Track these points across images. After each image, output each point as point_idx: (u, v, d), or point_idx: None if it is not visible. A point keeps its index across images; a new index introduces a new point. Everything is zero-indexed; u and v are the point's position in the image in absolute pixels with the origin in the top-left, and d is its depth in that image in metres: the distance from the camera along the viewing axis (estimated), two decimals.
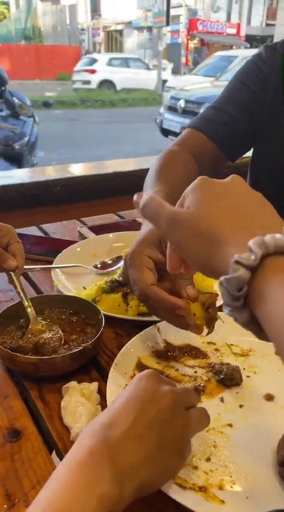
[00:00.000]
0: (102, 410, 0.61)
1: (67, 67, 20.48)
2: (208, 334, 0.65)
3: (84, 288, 0.93)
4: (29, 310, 0.76)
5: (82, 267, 1.00)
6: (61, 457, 0.57)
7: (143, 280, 0.65)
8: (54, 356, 0.68)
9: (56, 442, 0.59)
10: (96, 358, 0.74)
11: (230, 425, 0.61)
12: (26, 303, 0.76)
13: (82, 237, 1.19)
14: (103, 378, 0.70)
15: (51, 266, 0.98)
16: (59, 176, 2.23)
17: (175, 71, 21.11)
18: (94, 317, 0.79)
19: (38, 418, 0.62)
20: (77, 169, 2.56)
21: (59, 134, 8.71)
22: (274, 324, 0.35)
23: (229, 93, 1.14)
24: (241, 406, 0.64)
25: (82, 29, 26.11)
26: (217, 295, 0.63)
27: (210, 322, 0.63)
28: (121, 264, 1.02)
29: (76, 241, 1.14)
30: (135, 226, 1.25)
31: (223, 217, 0.41)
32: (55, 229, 1.25)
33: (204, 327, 0.64)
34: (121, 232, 1.17)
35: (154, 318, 0.83)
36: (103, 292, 0.87)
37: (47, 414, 0.63)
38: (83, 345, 0.69)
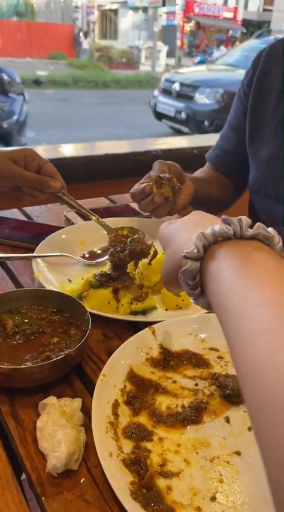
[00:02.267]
0: (86, 432, 0.51)
1: (60, 46, 19.96)
2: (175, 203, 0.91)
3: (70, 281, 0.82)
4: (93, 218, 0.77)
5: (68, 256, 0.89)
6: (34, 494, 0.47)
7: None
8: (29, 366, 0.57)
9: (28, 472, 0.48)
10: (81, 365, 0.64)
11: (238, 453, 0.52)
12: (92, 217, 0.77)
13: (69, 222, 1.07)
14: (88, 390, 0.60)
15: (32, 255, 0.86)
16: (47, 156, 2.09)
17: (170, 54, 20.71)
18: (79, 317, 0.68)
19: (7, 440, 0.52)
20: (67, 150, 2.42)
21: (49, 114, 8.46)
22: (213, 299, 0.41)
23: (229, 116, 1.21)
24: (250, 428, 0.55)
25: (76, 7, 25.40)
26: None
27: (174, 191, 0.90)
28: None
29: (63, 227, 1.02)
30: (127, 211, 1.14)
31: (179, 233, 0.51)
32: (39, 213, 1.13)
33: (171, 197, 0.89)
34: (113, 218, 1.06)
35: (149, 319, 0.73)
36: (90, 287, 0.76)
37: (19, 436, 0.52)
38: (65, 351, 0.59)
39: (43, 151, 2.28)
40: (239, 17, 25.11)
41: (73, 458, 0.48)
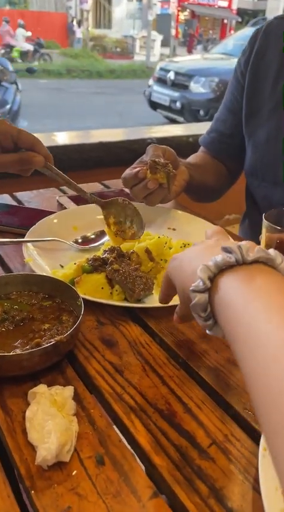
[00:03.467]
0: (79, 421, 0.48)
1: (53, 35, 19.69)
2: (169, 191, 0.90)
3: (62, 267, 0.79)
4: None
5: (60, 241, 0.85)
6: (23, 488, 0.44)
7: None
8: (18, 353, 0.54)
9: (17, 465, 0.45)
10: (73, 352, 0.61)
11: None
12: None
13: (62, 207, 1.03)
14: (81, 377, 0.57)
15: (22, 240, 0.83)
16: None
17: (165, 43, 20.49)
18: (71, 302, 0.65)
19: None
20: (60, 138, 2.38)
21: (43, 104, 8.36)
22: (224, 329, 0.41)
23: (224, 97, 1.16)
24: None
25: None
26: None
27: (169, 178, 0.88)
28: (105, 239, 0.88)
29: (54, 212, 0.99)
30: (122, 196, 1.10)
31: (183, 267, 0.52)
32: (30, 197, 1.09)
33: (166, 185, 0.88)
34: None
35: (143, 304, 0.70)
36: (83, 272, 0.73)
37: (7, 427, 0.49)
38: (56, 338, 0.55)
39: None
40: (234, 6, 24.88)
41: (64, 450, 0.45)
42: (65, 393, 0.51)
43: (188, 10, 24.62)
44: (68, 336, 0.56)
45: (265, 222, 0.69)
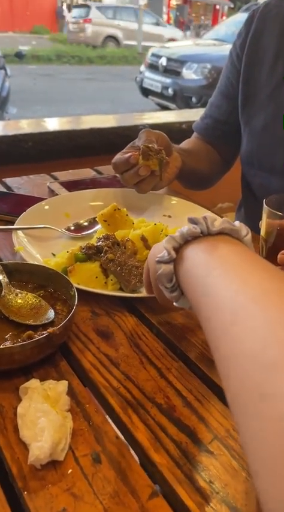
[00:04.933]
0: (74, 417, 0.46)
1: (42, 19, 19.31)
2: (161, 178, 0.88)
3: (54, 255, 0.76)
4: None
5: (52, 229, 0.82)
6: (15, 489, 0.41)
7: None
8: (9, 346, 0.51)
9: (8, 464, 0.43)
10: (67, 344, 0.58)
11: None
12: None
13: (53, 193, 1.00)
14: (75, 371, 0.54)
15: (12, 227, 0.79)
16: (31, 131, 2.01)
17: None
18: (64, 291, 0.62)
19: None
20: (51, 124, 2.32)
21: (33, 90, 8.21)
22: (189, 298, 0.42)
23: (219, 82, 1.12)
24: None
25: None
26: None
27: (161, 165, 0.85)
28: (98, 226, 0.84)
29: (45, 198, 0.95)
30: (115, 183, 1.07)
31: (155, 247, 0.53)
32: (20, 184, 1.05)
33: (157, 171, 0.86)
34: (99, 189, 0.99)
35: (139, 294, 0.67)
36: (76, 261, 0.70)
37: None
38: (49, 329, 0.53)
39: (26, 125, 2.19)
40: None
41: (58, 448, 0.42)
42: (58, 388, 0.48)
43: None
44: (61, 327, 0.54)
45: (265, 208, 0.67)
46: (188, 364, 0.57)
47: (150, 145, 0.85)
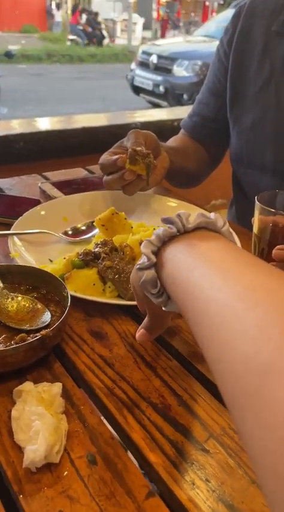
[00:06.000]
0: (69, 419, 0.46)
1: (32, 18, 19.20)
2: (147, 183, 0.85)
3: (51, 261, 0.74)
4: None
5: (49, 233, 0.80)
6: (11, 492, 0.41)
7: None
8: (2, 349, 0.51)
9: (3, 467, 0.43)
10: (61, 346, 0.58)
11: None
12: None
13: (45, 194, 0.99)
14: (69, 373, 0.54)
15: (7, 232, 0.78)
16: (22, 131, 2.00)
17: (147, 26, 20.16)
18: (58, 293, 0.62)
19: None
20: (42, 124, 2.31)
21: (24, 90, 8.17)
22: (176, 301, 0.40)
23: (206, 79, 1.11)
24: None
25: None
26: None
27: (149, 170, 0.83)
28: (96, 230, 0.82)
29: (38, 199, 0.95)
30: None
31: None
32: (11, 185, 1.04)
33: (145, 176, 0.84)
34: (97, 192, 0.96)
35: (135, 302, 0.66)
36: (74, 267, 0.68)
37: None
38: (42, 332, 0.52)
39: (17, 125, 2.17)
40: None
41: (53, 451, 0.42)
42: (52, 390, 0.48)
43: None
44: (54, 329, 0.53)
45: (257, 205, 0.67)
46: (183, 363, 0.57)
47: (138, 148, 0.83)
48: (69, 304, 0.57)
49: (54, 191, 1.00)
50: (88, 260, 0.68)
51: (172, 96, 6.86)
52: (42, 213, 0.86)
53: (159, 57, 7.13)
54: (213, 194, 2.56)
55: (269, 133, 0.94)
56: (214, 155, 1.14)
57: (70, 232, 0.83)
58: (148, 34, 19.69)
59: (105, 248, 0.69)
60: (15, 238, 0.77)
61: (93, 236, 0.81)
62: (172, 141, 1.11)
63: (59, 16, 19.79)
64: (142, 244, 0.43)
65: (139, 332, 0.54)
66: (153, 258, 0.43)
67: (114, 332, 0.61)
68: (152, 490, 0.41)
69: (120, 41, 19.13)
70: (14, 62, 11.39)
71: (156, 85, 7.05)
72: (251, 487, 0.42)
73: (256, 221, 0.68)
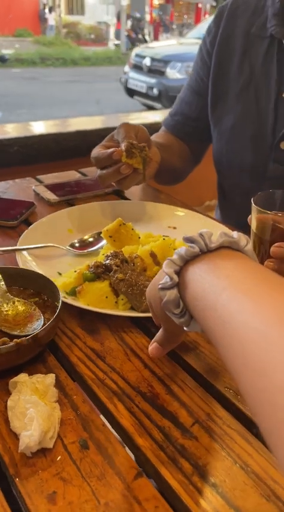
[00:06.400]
0: (62, 408, 0.49)
1: (25, 22, 19.22)
2: (144, 177, 0.86)
3: (60, 275, 0.73)
4: None
5: (56, 247, 0.79)
6: (8, 476, 0.44)
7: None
8: None
9: (0, 453, 0.45)
10: (55, 340, 0.61)
11: None
12: None
13: (39, 196, 1.02)
14: (63, 365, 0.57)
15: (15, 248, 0.77)
16: (16, 135, 2.02)
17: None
18: (52, 296, 0.63)
19: None
20: (36, 128, 2.33)
21: (17, 94, 8.19)
22: (199, 323, 0.40)
23: (189, 78, 1.12)
24: None
25: None
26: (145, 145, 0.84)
27: (145, 163, 0.84)
28: (104, 242, 0.82)
29: (32, 202, 0.97)
30: (99, 185, 1.10)
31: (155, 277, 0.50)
32: (5, 188, 1.07)
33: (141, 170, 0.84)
34: (100, 202, 0.97)
35: (149, 314, 0.62)
36: (85, 280, 0.68)
37: None
38: (17, 340, 0.52)
39: (11, 129, 2.20)
40: None
41: (47, 436, 0.45)
42: (46, 381, 0.50)
43: None
44: (29, 338, 0.53)
45: (254, 207, 0.67)
46: (170, 354, 0.59)
47: (134, 142, 0.82)
48: (56, 316, 0.57)
49: (47, 194, 1.02)
50: (99, 272, 0.68)
51: (166, 98, 6.90)
52: (47, 226, 0.85)
53: (152, 59, 7.18)
54: (206, 195, 2.59)
55: (249, 135, 0.96)
56: (196, 152, 1.15)
57: (77, 245, 0.82)
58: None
59: (116, 260, 0.69)
60: (24, 253, 0.76)
61: (101, 248, 0.81)
62: (156, 137, 1.10)
63: (51, 20, 19.83)
64: (164, 263, 0.43)
65: (152, 346, 0.55)
66: (176, 278, 0.42)
67: (105, 327, 0.64)
68: (140, 471, 0.44)
69: (114, 43, 19.18)
70: (8, 66, 11.42)
71: (150, 87, 7.09)
72: (233, 467, 0.45)
73: (253, 220, 0.69)
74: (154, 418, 0.50)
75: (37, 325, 0.60)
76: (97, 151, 0.87)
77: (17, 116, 6.58)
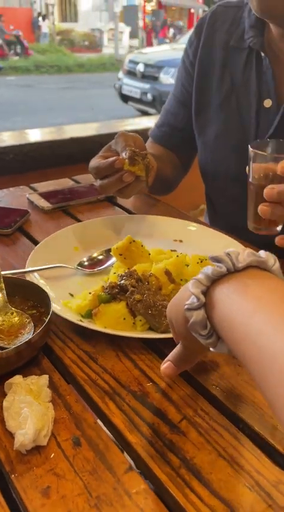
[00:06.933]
0: (55, 407, 0.51)
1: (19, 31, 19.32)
2: (147, 184, 0.87)
3: (72, 296, 0.72)
4: None
5: (65, 267, 0.77)
6: (4, 473, 0.46)
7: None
8: None
9: None
10: (48, 344, 0.63)
11: None
12: None
13: (33, 204, 1.05)
14: (56, 367, 0.59)
15: (25, 270, 0.74)
16: (12, 143, 2.05)
17: (133, 35, 20.38)
18: (46, 305, 0.64)
19: None
20: (31, 136, 2.36)
21: (12, 102, 8.25)
22: (229, 345, 0.39)
23: (173, 89, 1.13)
24: None
25: None
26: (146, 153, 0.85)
27: (147, 169, 0.84)
28: (113, 260, 0.80)
29: (26, 210, 1.00)
30: (92, 191, 1.13)
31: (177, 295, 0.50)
32: (0, 197, 1.09)
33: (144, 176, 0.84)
34: (104, 217, 0.96)
35: (169, 335, 0.60)
36: (100, 302, 0.66)
37: None
38: (24, 338, 0.56)
39: (6, 137, 2.22)
40: None
41: (41, 434, 0.47)
42: (40, 382, 0.53)
43: (154, 0, 24.48)
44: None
45: (251, 152, 0.69)
46: (159, 354, 0.62)
47: (136, 150, 0.82)
48: (51, 311, 0.60)
49: (41, 201, 1.05)
50: (115, 293, 0.67)
51: (160, 103, 6.94)
52: (52, 245, 0.83)
53: (146, 65, 7.24)
54: (201, 199, 2.62)
55: (232, 144, 0.98)
56: (184, 161, 1.16)
57: (86, 263, 0.81)
58: (135, 43, 19.89)
59: (131, 280, 0.67)
60: (36, 274, 0.74)
61: (111, 266, 0.80)
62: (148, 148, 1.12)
63: (45, 27, 19.96)
64: (190, 283, 0.42)
65: (166, 365, 0.54)
66: (203, 298, 0.41)
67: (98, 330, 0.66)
68: (130, 465, 0.46)
69: (108, 50, 19.31)
70: (3, 74, 11.50)
71: (144, 93, 7.14)
72: (219, 460, 0.47)
73: (251, 169, 0.70)
74: (143, 415, 0.52)
75: (23, 338, 0.59)
76: (96, 161, 0.86)
77: (12, 123, 6.62)
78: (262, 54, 0.92)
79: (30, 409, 0.48)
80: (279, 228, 0.74)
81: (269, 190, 0.65)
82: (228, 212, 0.97)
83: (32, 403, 0.49)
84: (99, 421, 0.52)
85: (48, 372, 0.58)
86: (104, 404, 0.54)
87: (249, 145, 0.71)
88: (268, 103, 0.92)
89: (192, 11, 23.21)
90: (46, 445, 0.48)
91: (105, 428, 0.51)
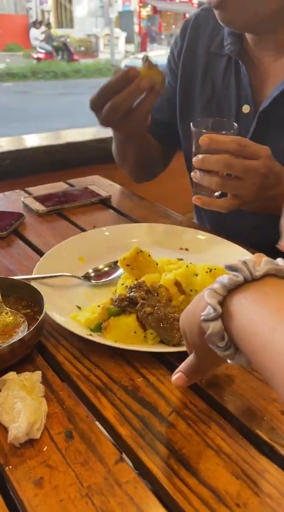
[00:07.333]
0: (48, 402, 0.52)
1: (15, 37, 19.46)
2: (165, 91, 0.84)
3: (79, 308, 0.71)
4: None
5: (72, 276, 0.76)
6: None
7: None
8: None
9: None
10: (41, 342, 0.64)
11: None
12: None
13: (28, 208, 1.06)
14: (50, 364, 0.60)
15: (29, 277, 0.74)
16: (8, 148, 2.07)
17: (129, 40, 20.50)
18: (38, 304, 0.66)
19: None
20: (28, 141, 2.38)
21: (9, 108, 8.29)
22: (249, 356, 0.38)
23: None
24: None
25: None
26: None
27: (163, 75, 0.79)
28: (120, 271, 0.79)
29: (21, 213, 1.01)
30: (87, 194, 1.14)
31: (189, 306, 0.49)
32: None
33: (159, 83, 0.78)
34: (107, 227, 0.95)
35: (182, 348, 0.60)
36: (110, 315, 0.65)
37: None
38: (18, 337, 0.57)
39: (3, 142, 2.24)
40: (195, 0, 25.03)
41: (34, 428, 0.49)
42: (33, 378, 0.54)
43: (150, 6, 24.65)
44: (31, 332, 0.57)
45: (192, 129, 0.79)
46: (152, 352, 0.63)
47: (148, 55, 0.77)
48: (44, 311, 0.61)
49: (36, 205, 1.07)
50: (124, 306, 0.65)
51: None
52: (58, 256, 0.82)
53: None
54: None
55: None
56: (166, 154, 1.17)
57: (92, 274, 0.79)
58: (131, 48, 20.01)
59: (141, 292, 0.66)
60: (43, 288, 0.71)
61: (118, 277, 0.78)
62: None
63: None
64: (206, 293, 0.41)
65: (177, 376, 0.53)
66: (220, 309, 0.40)
67: None
68: (121, 456, 0.48)
69: (104, 55, 19.42)
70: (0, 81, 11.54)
71: None
72: (207, 450, 0.49)
73: (193, 145, 0.79)
74: (134, 408, 0.54)
75: (14, 338, 0.60)
76: (100, 88, 0.80)
77: (9, 129, 6.65)
78: (240, 61, 0.94)
79: (24, 403, 0.49)
80: (216, 193, 0.85)
81: (195, 159, 0.75)
82: (213, 214, 0.98)
83: (25, 398, 0.50)
84: (90, 415, 0.53)
85: (42, 368, 0.59)
86: (96, 399, 0.55)
87: (191, 123, 0.78)
88: (246, 108, 0.94)
89: (187, 15, 23.37)
90: (39, 438, 0.49)
91: (96, 422, 0.52)
